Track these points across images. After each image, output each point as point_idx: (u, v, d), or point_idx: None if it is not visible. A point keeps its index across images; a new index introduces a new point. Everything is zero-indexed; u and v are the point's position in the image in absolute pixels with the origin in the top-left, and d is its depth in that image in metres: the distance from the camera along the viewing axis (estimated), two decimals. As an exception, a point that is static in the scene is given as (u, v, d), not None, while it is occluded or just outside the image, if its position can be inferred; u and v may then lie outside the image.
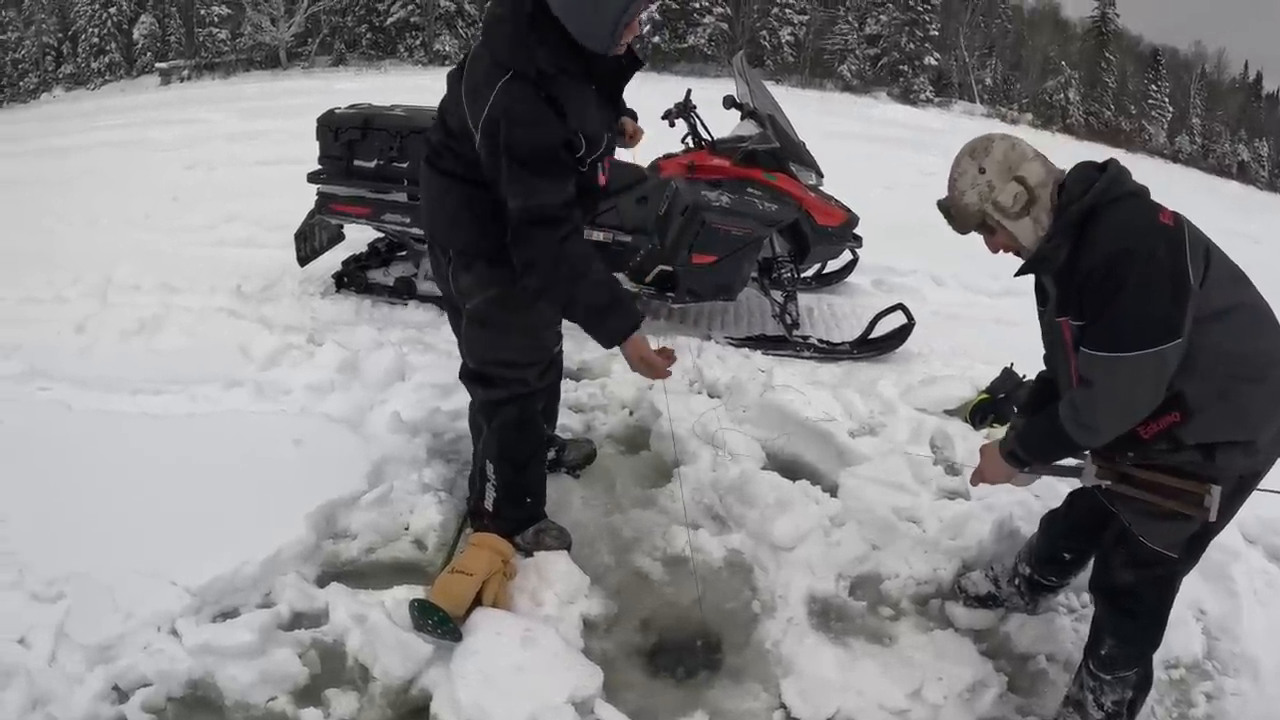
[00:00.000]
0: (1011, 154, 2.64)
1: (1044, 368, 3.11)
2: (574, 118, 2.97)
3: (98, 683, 3.05)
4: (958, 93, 52.49)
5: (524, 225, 2.98)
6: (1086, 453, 2.88)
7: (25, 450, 4.24)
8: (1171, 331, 2.44)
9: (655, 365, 3.19)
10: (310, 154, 6.08)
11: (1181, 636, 3.43)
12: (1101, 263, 2.51)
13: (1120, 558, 2.91)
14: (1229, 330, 2.54)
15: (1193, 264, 2.48)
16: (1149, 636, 2.98)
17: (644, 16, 3.01)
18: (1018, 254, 2.77)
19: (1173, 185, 21.29)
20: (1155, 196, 2.68)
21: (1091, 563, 3.47)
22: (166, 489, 3.88)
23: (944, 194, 2.78)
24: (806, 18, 49.92)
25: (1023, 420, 3.07)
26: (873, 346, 5.89)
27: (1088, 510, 3.14)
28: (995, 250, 2.82)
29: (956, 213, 2.75)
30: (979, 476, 3.09)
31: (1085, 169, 2.68)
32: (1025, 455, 2.88)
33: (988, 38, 56.90)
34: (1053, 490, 3.81)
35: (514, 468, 3.66)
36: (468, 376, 3.62)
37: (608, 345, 3.19)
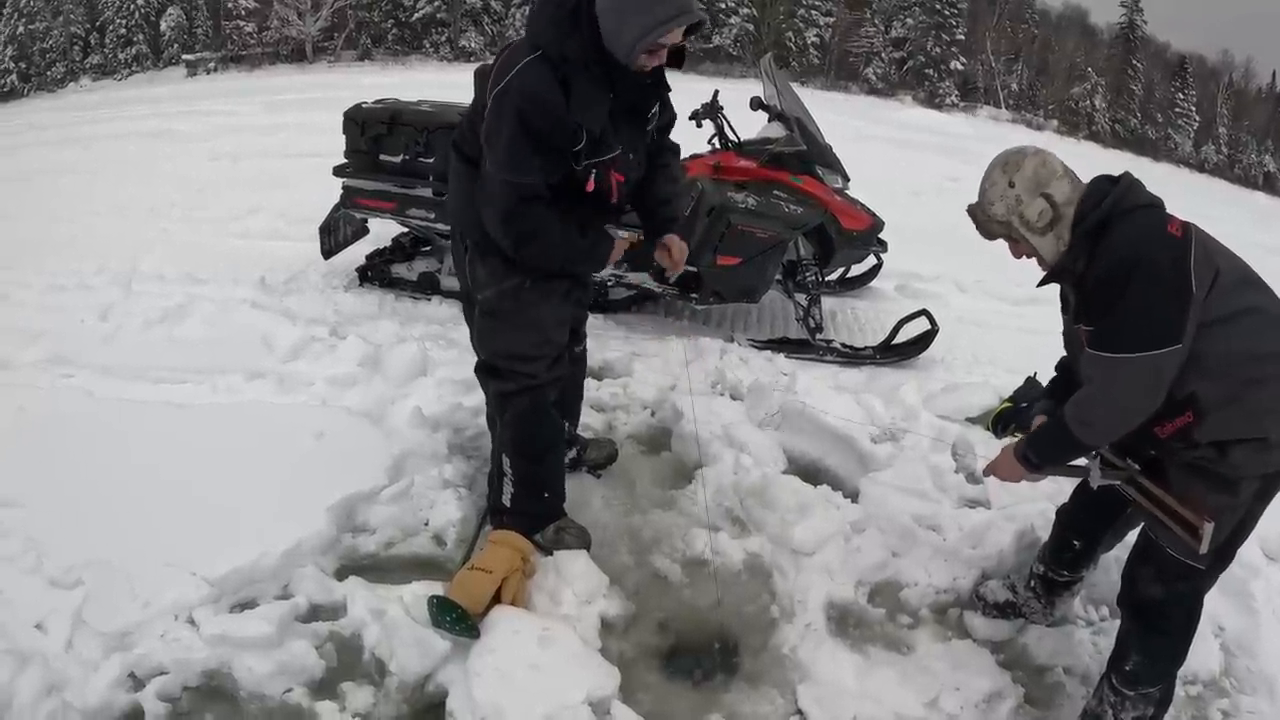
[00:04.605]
0: (1042, 170, 2.72)
1: (1063, 367, 3.20)
2: (578, 109, 2.99)
3: (114, 670, 3.06)
4: (983, 98, 52.35)
5: (519, 201, 3.06)
6: (1095, 454, 2.94)
7: (47, 437, 4.26)
8: (1168, 338, 2.52)
9: (628, 239, 3.63)
10: (335, 148, 6.10)
11: (1200, 652, 3.36)
12: (1107, 271, 2.60)
13: (1147, 572, 2.90)
14: (1239, 333, 2.59)
15: (1197, 273, 2.54)
16: (1176, 653, 2.97)
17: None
18: (1040, 263, 2.84)
19: (1197, 196, 21.26)
20: (1178, 207, 2.72)
21: (1102, 561, 3.56)
22: (187, 478, 3.89)
23: (973, 199, 2.86)
24: (832, 20, 49.88)
25: (1038, 420, 3.09)
26: (896, 352, 5.87)
27: (1095, 494, 3.13)
28: (1018, 256, 2.90)
29: (984, 221, 2.84)
30: (992, 470, 3.13)
31: (1100, 182, 2.76)
32: (1037, 459, 2.92)
33: (1014, 43, 56.70)
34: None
35: (529, 460, 3.66)
36: (479, 368, 3.66)
37: (602, 269, 3.62)
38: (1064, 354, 3.11)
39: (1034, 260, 2.84)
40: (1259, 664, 3.53)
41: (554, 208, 3.13)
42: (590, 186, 3.16)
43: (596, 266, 3.50)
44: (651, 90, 3.24)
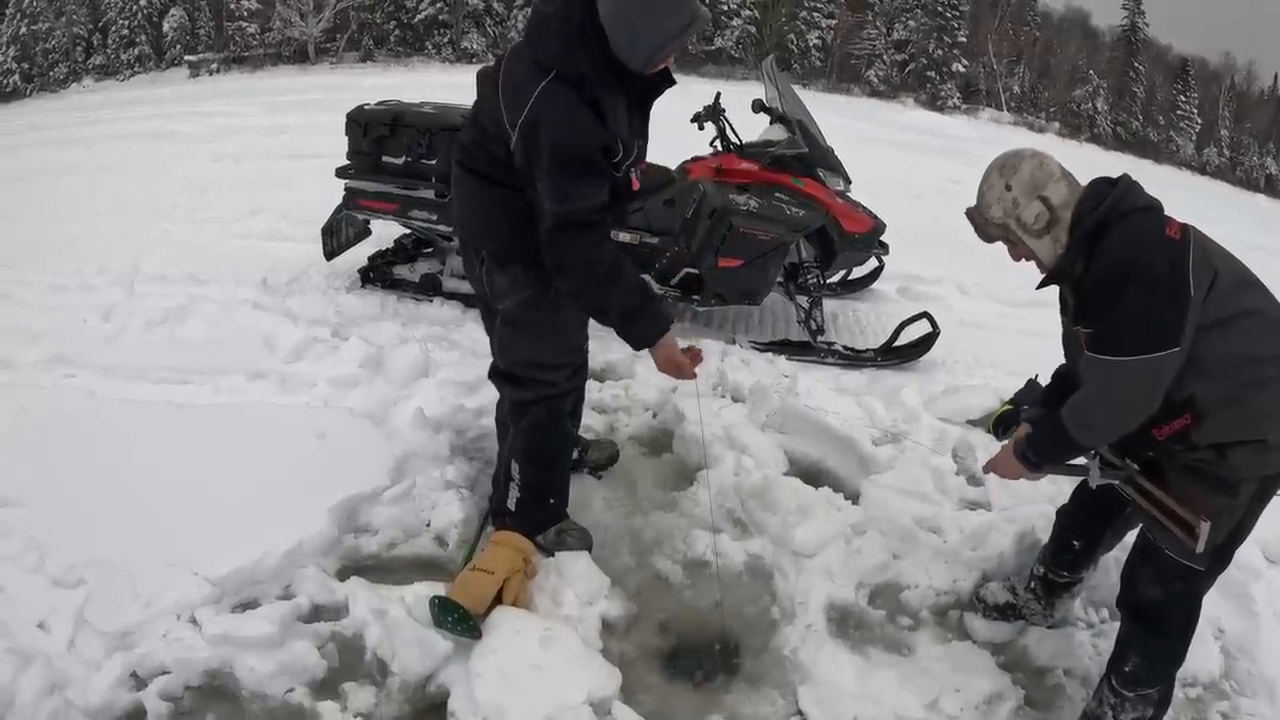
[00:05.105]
0: (1038, 173, 2.72)
1: (1060, 374, 3.19)
2: (611, 125, 3.01)
3: (116, 669, 3.07)
4: (985, 100, 52.31)
5: (559, 229, 3.00)
6: (1094, 454, 2.94)
7: (49, 436, 4.28)
8: (1166, 341, 2.51)
9: (683, 367, 3.24)
10: (338, 149, 6.11)
11: (1200, 655, 3.37)
12: (1105, 274, 2.61)
13: (1146, 573, 2.90)
14: (1237, 335, 2.59)
15: (1195, 275, 2.54)
16: (1175, 654, 2.97)
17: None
18: (1038, 265, 2.85)
19: (1199, 198, 21.23)
20: (1179, 209, 2.72)
21: (1102, 563, 3.55)
22: (189, 478, 3.89)
23: (972, 202, 2.87)
24: (834, 22, 49.85)
25: (1036, 418, 3.10)
26: (897, 354, 5.87)
27: (1094, 495, 3.15)
28: (1017, 259, 2.91)
29: (981, 224, 2.85)
30: (992, 467, 3.15)
31: (1098, 185, 2.76)
32: (1035, 457, 2.93)
33: (1016, 45, 56.67)
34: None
35: (539, 468, 3.67)
36: (498, 376, 3.64)
37: (638, 348, 3.24)
38: (1063, 362, 3.12)
39: (1033, 263, 2.85)
40: (1259, 666, 3.53)
41: (606, 243, 3.09)
42: (636, 185, 3.19)
43: (634, 338, 3.23)
44: (659, 84, 3.24)
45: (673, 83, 3.28)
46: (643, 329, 3.19)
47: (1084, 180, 2.80)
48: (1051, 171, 2.72)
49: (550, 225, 3.00)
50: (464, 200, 3.37)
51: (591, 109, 2.94)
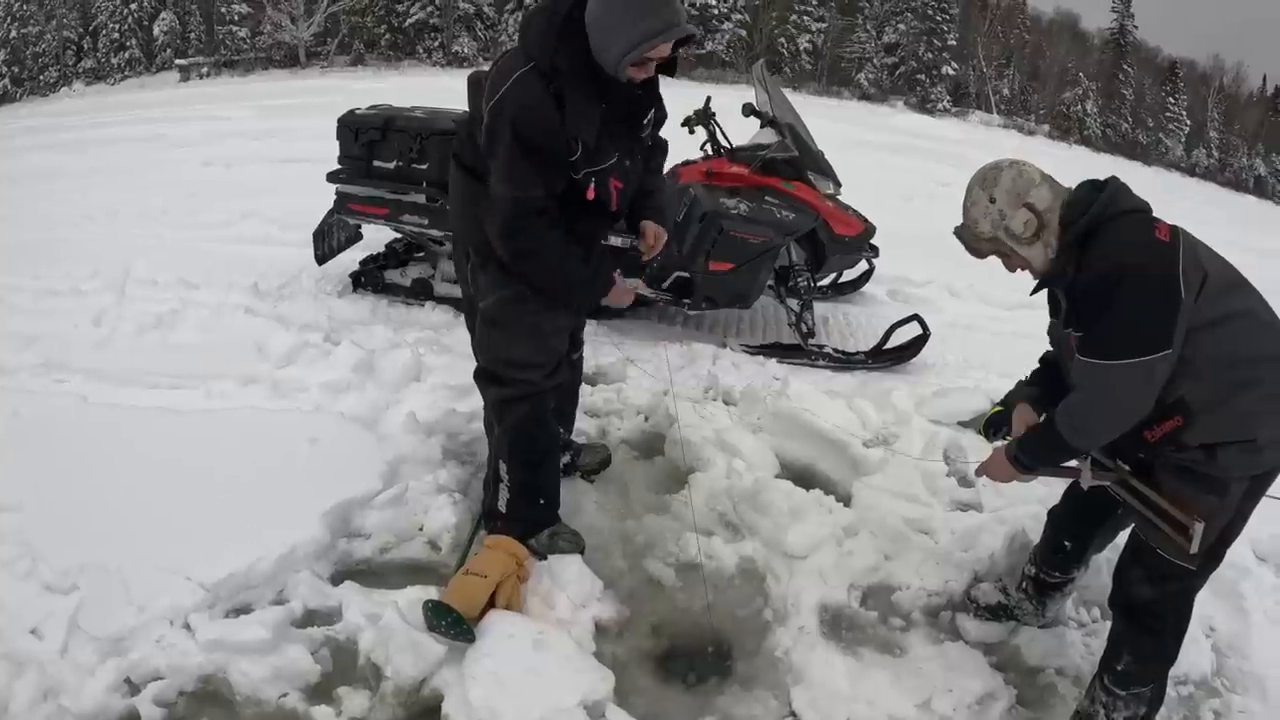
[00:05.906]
0: (1019, 181, 2.73)
1: (1046, 360, 3.21)
2: (572, 121, 3.02)
3: (109, 675, 3.06)
4: (975, 103, 52.39)
5: (521, 216, 3.09)
6: (1086, 455, 2.95)
7: (41, 441, 4.26)
8: (1159, 343, 2.53)
9: (627, 296, 3.61)
10: (329, 153, 6.10)
11: (1191, 653, 3.39)
12: (1096, 278, 2.61)
13: (1138, 573, 2.91)
14: (1227, 336, 2.60)
15: (1186, 277, 2.55)
16: (1167, 653, 2.99)
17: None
18: (1032, 273, 2.86)
19: (1188, 200, 21.27)
20: (1169, 211, 2.72)
21: (1093, 563, 3.56)
22: (181, 484, 3.89)
23: (959, 218, 2.87)
24: (824, 25, 49.91)
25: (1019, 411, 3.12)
26: (888, 357, 5.88)
27: (1085, 495, 3.16)
28: (1012, 270, 2.91)
29: (971, 241, 2.86)
30: (984, 470, 3.16)
31: (1085, 188, 2.77)
32: (1028, 460, 2.95)
33: (1005, 48, 56.72)
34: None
35: (526, 467, 3.67)
36: (480, 376, 3.66)
37: (599, 301, 3.52)
38: (1048, 349, 3.13)
39: (1028, 272, 2.86)
40: (1250, 664, 3.55)
41: (558, 226, 3.15)
42: (591, 194, 3.18)
43: (593, 299, 3.50)
44: (644, 99, 3.25)
45: (655, 103, 3.33)
46: (599, 291, 3.46)
47: (1072, 184, 2.81)
48: (1031, 177, 2.73)
49: (510, 212, 3.08)
50: (456, 196, 3.44)
51: (556, 101, 2.99)
